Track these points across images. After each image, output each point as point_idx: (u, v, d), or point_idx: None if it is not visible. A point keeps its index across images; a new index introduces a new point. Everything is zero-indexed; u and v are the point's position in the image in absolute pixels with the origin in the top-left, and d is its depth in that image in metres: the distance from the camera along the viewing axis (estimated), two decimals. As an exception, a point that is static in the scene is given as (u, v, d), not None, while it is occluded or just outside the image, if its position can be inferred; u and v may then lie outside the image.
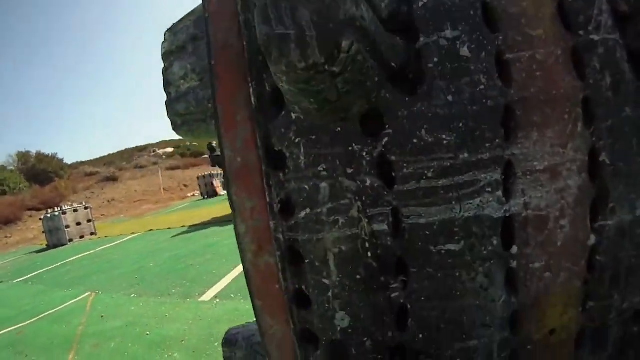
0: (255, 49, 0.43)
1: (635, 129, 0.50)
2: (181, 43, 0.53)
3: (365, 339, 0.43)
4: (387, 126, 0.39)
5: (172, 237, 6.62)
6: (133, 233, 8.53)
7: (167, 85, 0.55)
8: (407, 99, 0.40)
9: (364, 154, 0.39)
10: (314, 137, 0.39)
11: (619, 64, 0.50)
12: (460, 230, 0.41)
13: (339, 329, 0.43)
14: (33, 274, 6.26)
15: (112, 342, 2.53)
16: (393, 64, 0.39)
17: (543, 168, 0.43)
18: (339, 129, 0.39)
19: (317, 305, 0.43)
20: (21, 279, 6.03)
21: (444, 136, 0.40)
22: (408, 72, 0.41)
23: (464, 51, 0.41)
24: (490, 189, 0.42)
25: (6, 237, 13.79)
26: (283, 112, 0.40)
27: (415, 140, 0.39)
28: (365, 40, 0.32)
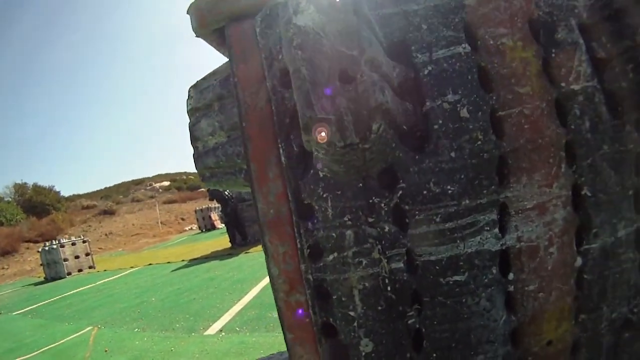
0: (282, 112, 0.54)
1: (613, 161, 0.62)
2: (208, 101, 0.63)
3: None
4: (401, 181, 0.50)
5: (172, 271, 6.85)
6: (132, 267, 8.81)
7: (194, 140, 0.64)
8: (417, 156, 0.51)
9: (382, 204, 0.50)
10: (339, 192, 0.50)
11: (597, 108, 0.62)
12: (464, 264, 0.53)
13: (363, 354, 0.54)
14: (32, 306, 6.36)
15: (118, 377, 2.57)
16: (405, 127, 0.51)
17: (532, 206, 0.55)
18: (361, 184, 0.50)
19: (344, 335, 0.54)
20: (20, 311, 6.11)
21: (448, 187, 0.51)
22: (415, 131, 0.52)
23: (464, 112, 0.52)
24: (488, 228, 0.53)
25: (3, 268, 14.17)
26: (312, 171, 0.51)
27: (425, 192, 0.51)
28: (388, 117, 0.44)
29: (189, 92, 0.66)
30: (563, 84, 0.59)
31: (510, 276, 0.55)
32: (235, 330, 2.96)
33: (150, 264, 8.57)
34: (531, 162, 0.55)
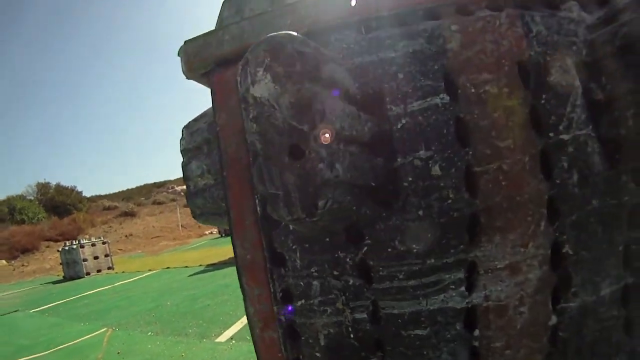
0: (257, 162, 0.58)
1: (602, 216, 0.61)
2: (197, 144, 0.68)
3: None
4: (366, 237, 0.54)
5: (189, 275, 7.24)
6: (150, 270, 9.25)
7: (186, 179, 0.70)
8: (384, 214, 0.54)
9: (348, 259, 0.54)
10: (307, 245, 0.54)
11: (589, 158, 0.61)
12: (426, 319, 0.56)
13: (326, 392, 0.59)
14: (49, 305, 6.76)
15: (128, 380, 2.76)
16: (372, 184, 0.53)
17: (503, 266, 0.56)
18: (327, 239, 0.54)
19: (310, 372, 0.60)
20: (37, 309, 6.51)
21: (413, 246, 0.54)
22: (385, 188, 0.55)
23: (435, 170, 0.54)
24: (453, 286, 0.56)
25: (23, 265, 15.06)
26: (282, 224, 0.55)
27: (389, 249, 0.54)
28: (341, 188, 0.47)
29: (182, 132, 0.71)
30: (551, 134, 0.59)
31: (476, 332, 0.58)
32: (245, 338, 3.11)
33: (168, 268, 9.04)
34: (506, 221, 0.56)
